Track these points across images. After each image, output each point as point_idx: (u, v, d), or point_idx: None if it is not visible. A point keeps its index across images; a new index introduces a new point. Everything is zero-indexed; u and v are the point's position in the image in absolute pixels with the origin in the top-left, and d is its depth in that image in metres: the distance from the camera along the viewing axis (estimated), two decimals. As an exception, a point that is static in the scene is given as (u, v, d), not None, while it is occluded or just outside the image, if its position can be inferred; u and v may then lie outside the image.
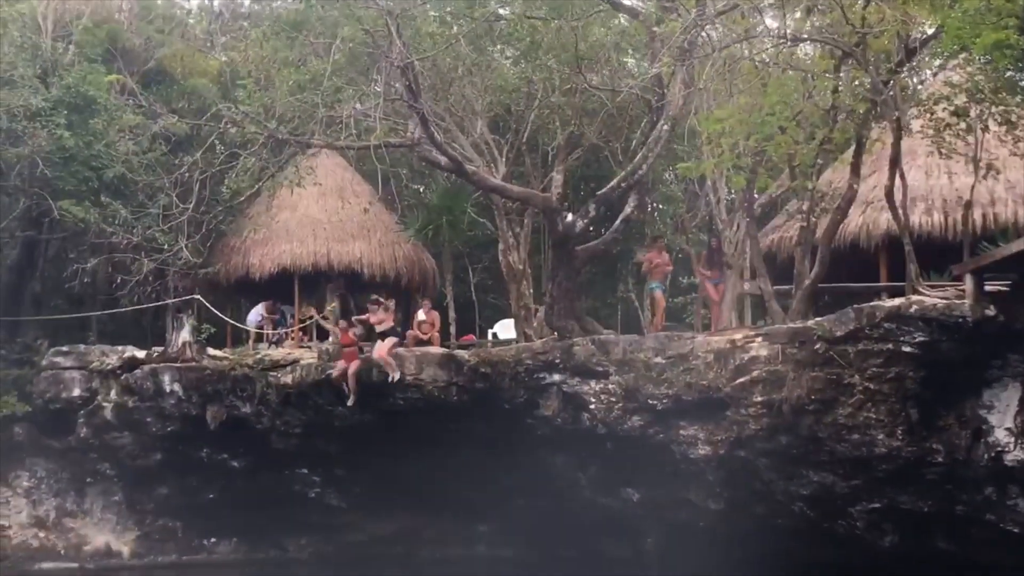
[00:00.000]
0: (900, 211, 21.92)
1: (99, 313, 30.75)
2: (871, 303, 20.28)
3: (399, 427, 25.34)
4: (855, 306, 20.06)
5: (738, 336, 21.99)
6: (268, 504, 27.89)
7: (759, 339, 21.39)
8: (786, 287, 23.66)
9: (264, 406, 26.05)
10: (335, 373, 25.13)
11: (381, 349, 24.63)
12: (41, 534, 27.58)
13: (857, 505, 21.32)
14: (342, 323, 26.11)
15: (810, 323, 20.71)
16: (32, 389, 27.39)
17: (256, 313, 29.67)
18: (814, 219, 23.10)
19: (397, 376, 24.35)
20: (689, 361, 21.98)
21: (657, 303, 26.23)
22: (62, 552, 27.54)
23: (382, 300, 25.16)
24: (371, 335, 25.51)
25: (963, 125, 21.44)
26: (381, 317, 24.99)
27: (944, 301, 19.13)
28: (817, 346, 20.07)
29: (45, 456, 27.96)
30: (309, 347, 27.36)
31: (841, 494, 21.22)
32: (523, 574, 25.26)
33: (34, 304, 31.65)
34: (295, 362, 26.02)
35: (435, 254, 31.56)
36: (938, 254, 22.92)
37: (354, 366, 24.89)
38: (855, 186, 22.12)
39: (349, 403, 25.13)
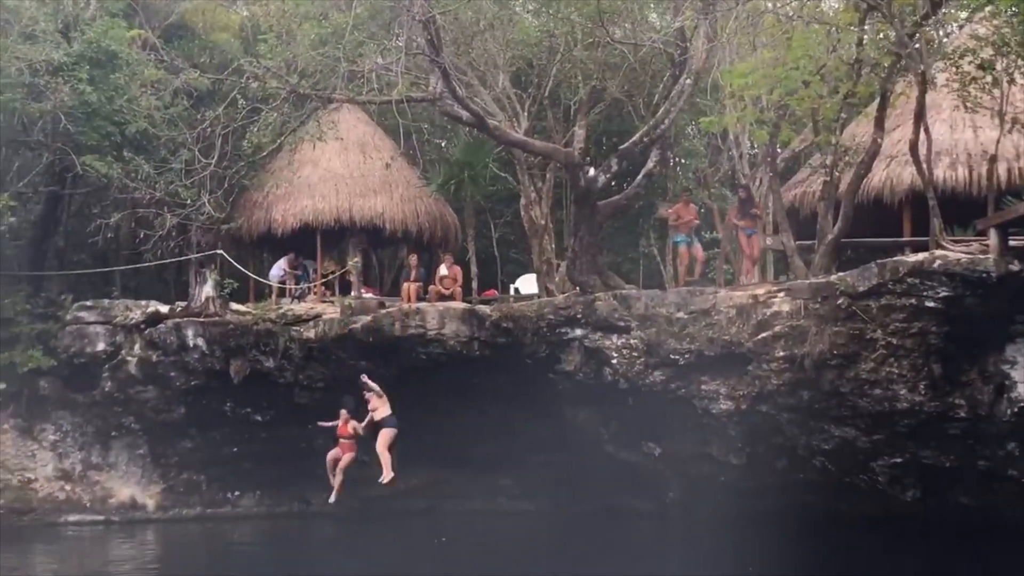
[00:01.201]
0: (924, 165, 21.82)
1: (122, 268, 30.86)
2: (894, 258, 20.23)
3: (421, 382, 25.40)
4: (878, 261, 20.01)
5: (760, 291, 21.97)
6: (291, 458, 28.05)
7: (781, 294, 21.37)
8: (809, 242, 23.60)
9: (287, 360, 26.15)
10: (328, 460, 24.29)
11: (380, 444, 23.25)
12: (67, 487, 27.82)
13: (879, 460, 21.36)
14: (344, 414, 24.22)
15: (833, 278, 20.66)
16: (56, 343, 27.54)
17: (278, 268, 29.74)
18: (837, 174, 22.98)
19: (388, 478, 23.02)
20: (711, 316, 21.98)
21: (681, 257, 26.05)
22: (88, 505, 27.78)
23: (373, 387, 23.23)
24: (395, 288, 25.36)
25: (989, 78, 21.27)
26: (376, 404, 23.42)
27: (968, 256, 19.06)
28: (840, 301, 20.03)
29: (70, 410, 28.16)
30: (331, 302, 27.39)
31: (863, 449, 21.25)
32: (545, 528, 25.37)
33: (58, 259, 31.77)
34: (317, 317, 26.07)
35: (457, 209, 31.53)
36: (962, 209, 22.77)
37: (347, 459, 24.22)
38: (879, 140, 21.99)
39: (331, 499, 24.44)
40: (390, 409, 23.31)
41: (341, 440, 24.27)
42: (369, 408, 23.56)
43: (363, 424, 23.56)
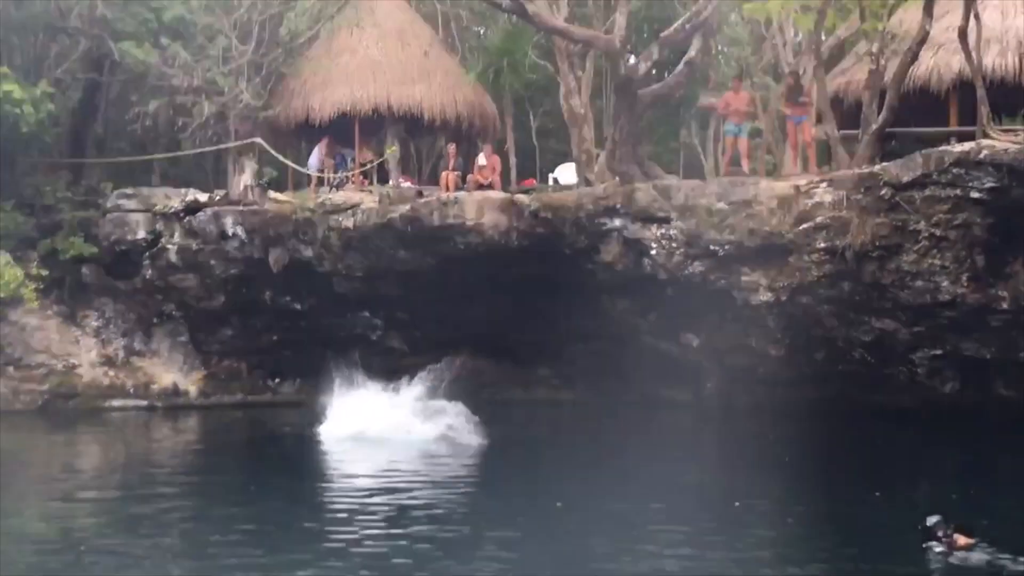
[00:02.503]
0: (973, 53, 21.34)
1: (161, 156, 30.85)
2: (940, 148, 19.95)
3: (460, 271, 25.42)
4: (923, 151, 19.75)
5: (803, 182, 21.74)
6: (331, 346, 28.26)
7: (824, 185, 21.14)
8: (853, 132, 23.23)
9: (326, 249, 26.19)
10: None
11: None
12: (111, 372, 28.15)
13: (919, 352, 21.32)
14: None
15: (876, 168, 20.43)
16: (97, 231, 27.68)
17: (316, 156, 29.63)
18: (883, 62, 22.56)
19: None
20: (752, 207, 21.80)
21: (727, 147, 25.46)
22: (131, 390, 28.14)
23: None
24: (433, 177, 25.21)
25: (1042, -39, 20.73)
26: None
27: (1016, 146, 18.77)
28: (883, 192, 19.82)
29: (113, 297, 28.40)
30: (370, 191, 27.33)
31: (903, 340, 21.20)
32: (583, 417, 25.52)
33: (97, 147, 31.77)
34: (356, 206, 26.03)
35: (496, 98, 31.21)
36: (1011, 98, 22.36)
37: None
38: (927, 27, 21.49)
39: None
40: None
41: None
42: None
43: None
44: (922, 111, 24.12)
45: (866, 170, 20.65)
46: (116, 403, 27.78)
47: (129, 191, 28.12)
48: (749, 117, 25.10)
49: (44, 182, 28.33)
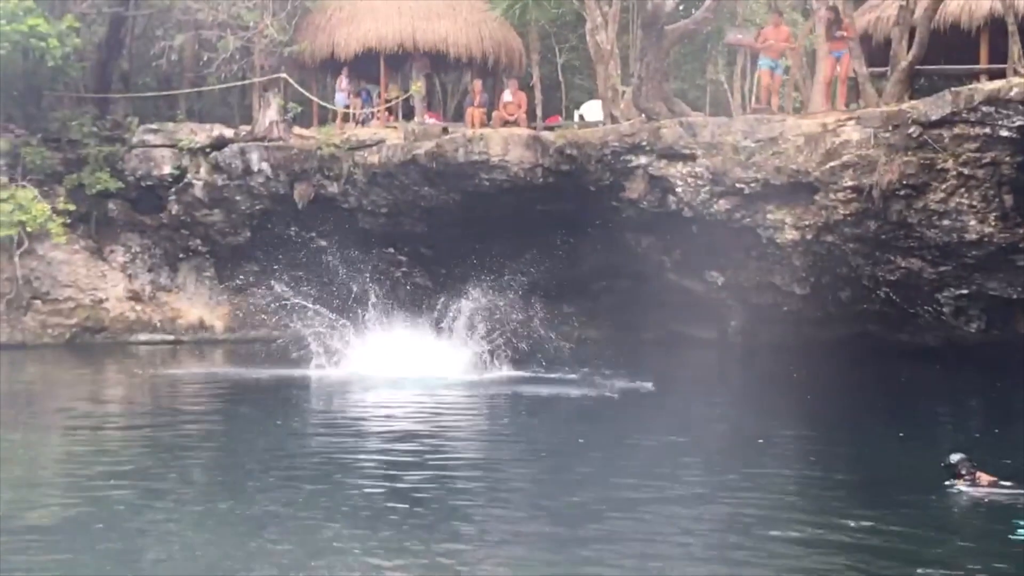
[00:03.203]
0: (1005, -10, 21.05)
1: (187, 91, 30.87)
2: (969, 86, 19.73)
3: (484, 208, 25.43)
4: (952, 89, 19.55)
5: (830, 119, 21.59)
6: (356, 282, 28.35)
7: (851, 122, 20.98)
8: (881, 69, 23.01)
9: (351, 185, 26.23)
10: None
11: None
12: (137, 307, 28.37)
13: (944, 291, 21.24)
14: None
15: (905, 106, 20.24)
16: (123, 166, 27.80)
17: (342, 92, 29.54)
18: (914, -2, 22.28)
19: None
20: (779, 144, 21.69)
21: (762, 83, 25.03)
22: (158, 325, 28.38)
23: None
24: (458, 114, 25.20)
25: None
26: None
27: (1047, 84, 18.54)
28: (911, 130, 19.66)
29: (139, 232, 28.56)
30: (395, 127, 27.29)
31: (929, 280, 21.13)
32: (608, 354, 25.56)
33: (122, 81, 31.77)
34: (381, 142, 26.04)
35: (521, 33, 31.03)
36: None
37: None
38: (959, -37, 21.23)
39: None
40: None
41: None
42: None
43: None
44: (952, 48, 23.87)
45: (894, 108, 20.47)
46: (143, 337, 28.04)
47: (155, 126, 28.21)
48: (785, 53, 24.68)
49: (70, 116, 28.42)
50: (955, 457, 12.68)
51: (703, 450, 15.17)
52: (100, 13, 29.87)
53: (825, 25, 24.23)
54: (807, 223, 21.68)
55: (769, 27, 24.92)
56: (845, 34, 22.88)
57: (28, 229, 26.12)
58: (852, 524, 11.28)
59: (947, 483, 12.50)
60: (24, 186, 26.55)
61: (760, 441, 15.70)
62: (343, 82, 29.05)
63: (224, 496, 12.36)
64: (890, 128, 20.07)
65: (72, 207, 27.18)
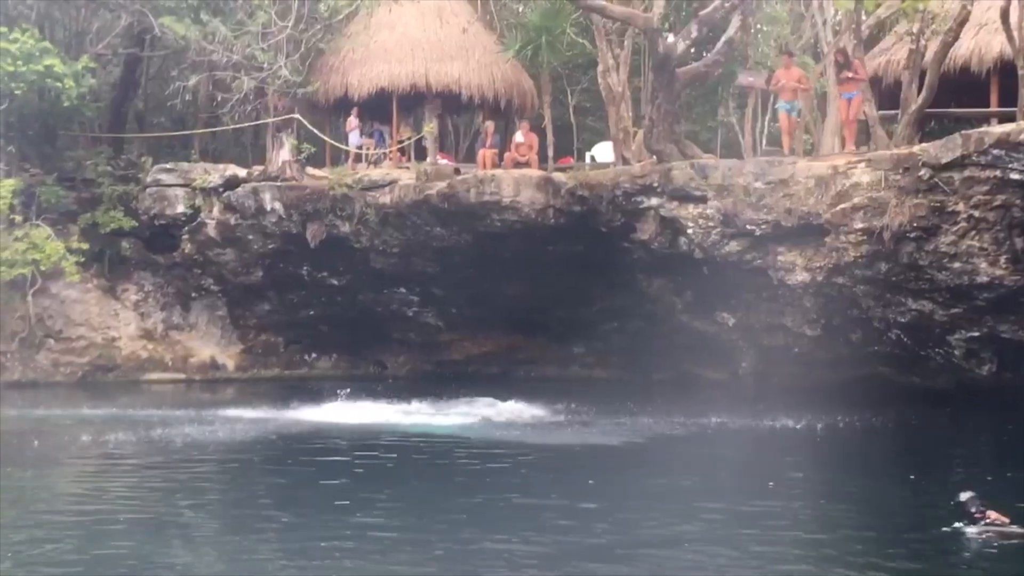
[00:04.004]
0: (1015, 33, 21.14)
1: (201, 131, 31.06)
2: (980, 129, 19.79)
3: (496, 249, 25.50)
4: (963, 132, 19.61)
5: (840, 162, 21.63)
6: (367, 322, 28.45)
7: (862, 165, 21.03)
8: (892, 112, 23.11)
9: (363, 225, 26.31)
10: None
11: None
12: (149, 346, 28.47)
13: (956, 333, 21.22)
14: None
15: (915, 149, 20.29)
16: (137, 205, 27.96)
17: (355, 133, 29.67)
18: (924, 42, 22.39)
19: None
20: (789, 186, 21.72)
21: (782, 125, 24.87)
22: (169, 363, 28.47)
23: None
24: (470, 155, 25.28)
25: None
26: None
27: (1057, 128, 18.57)
28: (922, 172, 19.69)
29: (152, 271, 28.68)
30: (407, 168, 27.41)
31: (940, 322, 21.11)
32: (619, 395, 25.53)
33: (137, 121, 31.99)
34: (393, 182, 26.12)
35: (534, 75, 31.16)
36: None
37: None
38: (968, 7, 21.33)
39: None
40: None
41: None
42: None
43: None
44: (962, 92, 24.00)
45: (905, 150, 20.52)
46: (154, 376, 28.12)
47: (169, 166, 28.35)
48: (798, 94, 24.64)
49: (85, 156, 28.68)
50: (964, 495, 12.68)
51: (713, 492, 15.16)
52: (115, 54, 30.15)
53: (835, 67, 24.30)
54: (818, 265, 21.69)
55: (781, 69, 24.94)
56: (854, 75, 22.94)
57: (42, 268, 26.25)
58: (862, 562, 11.28)
59: (956, 525, 12.48)
60: (38, 225, 26.71)
61: (771, 484, 15.68)
62: (352, 122, 29.21)
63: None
64: (901, 171, 20.11)
65: (86, 246, 27.31)
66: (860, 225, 20.68)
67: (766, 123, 30.61)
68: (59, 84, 26.53)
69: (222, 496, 15.68)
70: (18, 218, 26.46)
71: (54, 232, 26.83)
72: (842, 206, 20.87)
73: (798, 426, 20.85)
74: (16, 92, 26.38)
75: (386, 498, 14.99)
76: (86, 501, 14.86)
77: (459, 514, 13.87)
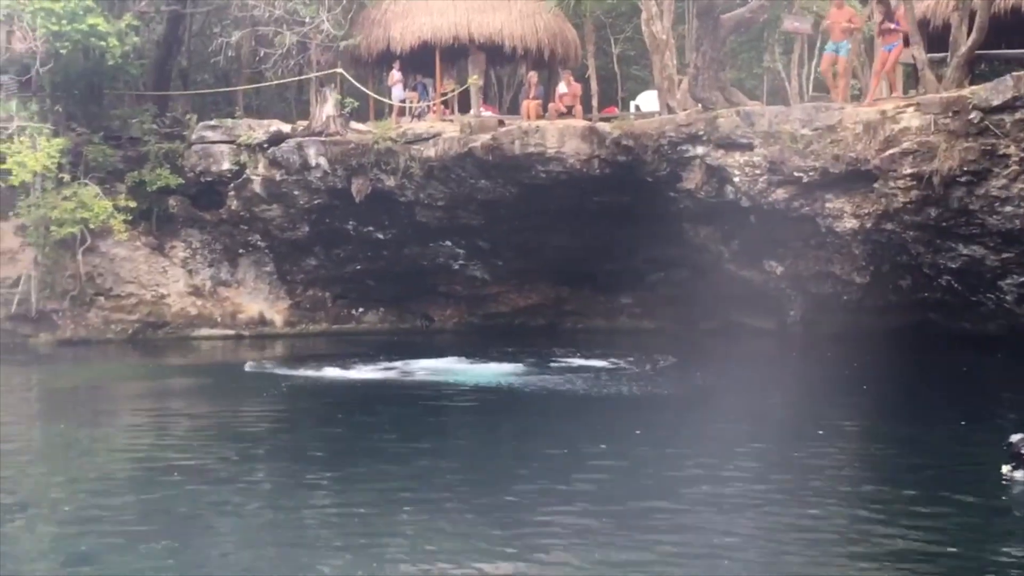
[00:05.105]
0: (1067, -28, 20.75)
1: (244, 88, 31.12)
2: (1031, 70, 19.45)
3: (541, 200, 25.44)
4: (1014, 74, 19.24)
5: (889, 106, 21.35)
6: (413, 275, 28.51)
7: (911, 109, 20.73)
8: (941, 55, 22.75)
9: (407, 179, 26.30)
10: None
11: None
12: (198, 302, 28.67)
13: (1007, 278, 20.99)
14: None
15: (965, 92, 19.97)
16: (183, 162, 28.05)
17: (398, 87, 29.62)
18: (974, -18, 22.00)
19: None
20: (837, 132, 21.46)
21: (824, 66, 24.38)
22: (218, 319, 28.67)
23: None
24: (514, 106, 25.19)
25: None
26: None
27: (1110, 67, 18.24)
28: (972, 116, 19.39)
29: (199, 227, 28.82)
30: (451, 120, 27.36)
31: (991, 267, 20.88)
32: (666, 345, 25.52)
33: (181, 79, 32.06)
34: (437, 135, 26.07)
35: (576, 25, 31.00)
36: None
37: None
38: (1019, -55, 20.94)
39: None
40: None
41: None
42: None
43: None
44: (1013, 33, 23.55)
45: (954, 93, 20.21)
46: (204, 332, 28.35)
47: (213, 122, 28.42)
48: (849, 34, 24.08)
49: (130, 114, 28.78)
50: (1016, 437, 12.64)
51: (766, 439, 15.16)
52: (158, 11, 30.18)
53: (878, 18, 23.89)
54: (866, 211, 21.47)
55: (833, 8, 24.36)
56: (890, 25, 22.53)
57: (91, 226, 26.44)
58: (910, 509, 11.27)
59: (1005, 468, 12.45)
60: (86, 184, 26.87)
61: (820, 432, 15.64)
62: (395, 75, 29.16)
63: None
64: (950, 114, 19.82)
65: (133, 204, 27.46)
66: (909, 170, 20.43)
67: (812, 69, 30.24)
68: (103, 43, 26.60)
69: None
70: (66, 177, 26.65)
71: (101, 191, 26.98)
72: (891, 151, 20.61)
73: (847, 373, 20.76)
74: (61, 52, 26.48)
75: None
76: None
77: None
